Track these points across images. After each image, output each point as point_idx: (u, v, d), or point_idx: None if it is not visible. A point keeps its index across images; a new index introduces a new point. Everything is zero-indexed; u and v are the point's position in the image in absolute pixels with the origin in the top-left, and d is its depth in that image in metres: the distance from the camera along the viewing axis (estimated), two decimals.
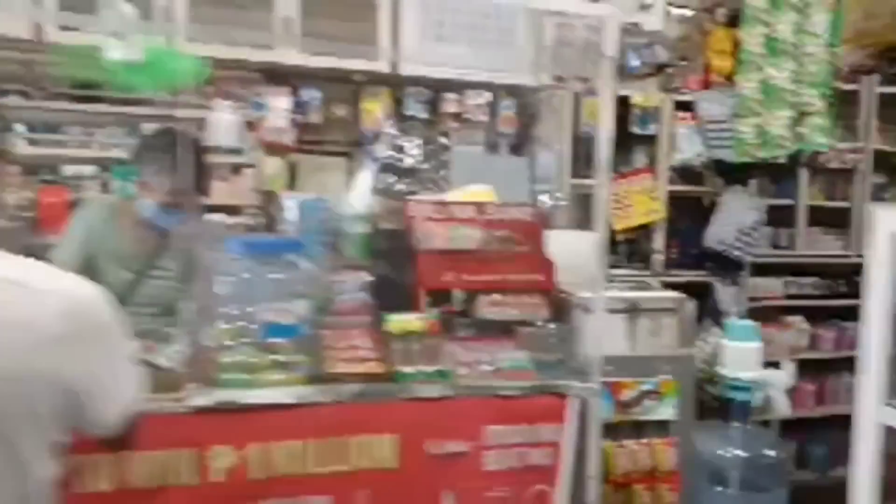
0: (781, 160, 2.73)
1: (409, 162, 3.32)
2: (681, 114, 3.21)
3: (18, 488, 0.92)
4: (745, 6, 2.59)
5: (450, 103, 3.19)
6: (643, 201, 3.19)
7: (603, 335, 1.84)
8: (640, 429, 2.05)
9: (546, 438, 1.80)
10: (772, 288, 3.64)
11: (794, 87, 2.35)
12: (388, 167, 3.27)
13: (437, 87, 3.17)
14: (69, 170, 2.84)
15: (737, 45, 3.43)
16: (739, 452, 2.21)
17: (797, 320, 3.68)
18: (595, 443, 1.84)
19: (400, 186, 3.29)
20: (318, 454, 1.64)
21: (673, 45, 3.26)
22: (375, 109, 3.13)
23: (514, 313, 1.99)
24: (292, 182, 3.14)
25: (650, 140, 3.22)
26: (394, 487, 1.69)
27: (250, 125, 2.99)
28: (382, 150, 3.19)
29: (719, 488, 2.20)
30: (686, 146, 3.19)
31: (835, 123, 2.49)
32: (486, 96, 3.20)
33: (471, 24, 3.02)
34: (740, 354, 2.19)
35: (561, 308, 2.04)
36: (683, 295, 2.21)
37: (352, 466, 1.66)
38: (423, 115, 3.22)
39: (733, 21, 3.46)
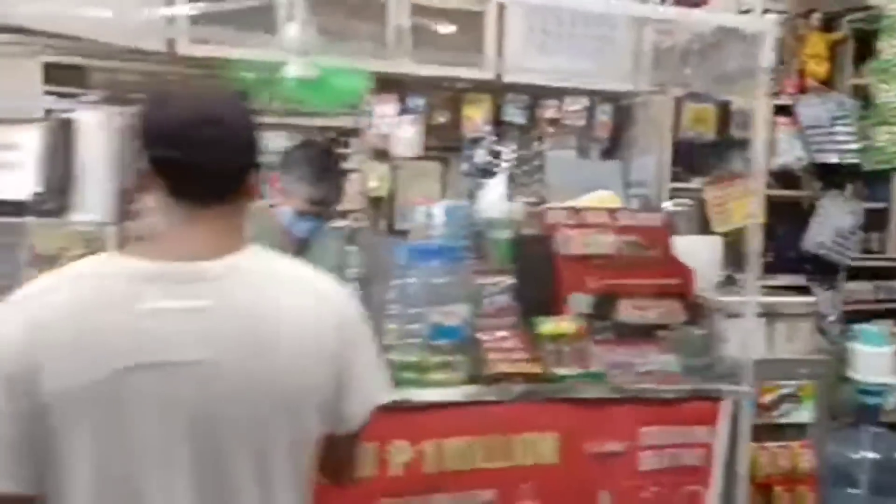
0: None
1: (504, 167, 3.38)
2: (780, 118, 3.21)
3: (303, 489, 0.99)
4: (883, 16, 2.59)
5: (548, 109, 3.24)
6: (741, 205, 3.20)
7: (752, 339, 1.87)
8: (778, 431, 2.08)
9: (699, 440, 1.84)
10: (863, 291, 3.62)
11: None
12: (485, 172, 3.33)
13: (537, 94, 3.22)
14: None
15: (832, 49, 3.43)
16: (870, 455, 2.23)
17: (888, 324, 3.65)
18: (745, 445, 1.87)
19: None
20: (485, 450, 1.70)
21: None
22: (476, 115, 3.19)
23: (654, 317, 2.04)
24: (392, 187, 3.22)
25: (748, 144, 3.22)
26: (555, 483, 1.75)
27: (356, 131, 3.08)
28: (481, 156, 3.25)
29: (850, 490, 2.22)
30: (786, 150, 3.20)
31: None
32: (584, 101, 3.24)
33: (572, 33, 3.07)
34: (872, 359, 2.21)
35: (696, 312, 2.08)
36: (814, 299, 2.23)
37: (515, 462, 1.73)
38: (521, 120, 3.28)
39: (828, 25, 3.47)
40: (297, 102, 1.86)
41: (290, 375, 0.92)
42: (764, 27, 1.85)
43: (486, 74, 3.02)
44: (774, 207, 3.31)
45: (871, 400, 2.21)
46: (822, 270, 3.32)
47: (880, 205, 3.60)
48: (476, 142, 3.27)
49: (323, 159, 2.06)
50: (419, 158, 3.30)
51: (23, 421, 0.83)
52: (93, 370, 0.84)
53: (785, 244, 3.29)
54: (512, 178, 3.37)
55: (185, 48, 2.64)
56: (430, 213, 2.06)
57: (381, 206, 3.18)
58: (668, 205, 2.77)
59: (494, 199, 2.28)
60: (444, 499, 1.67)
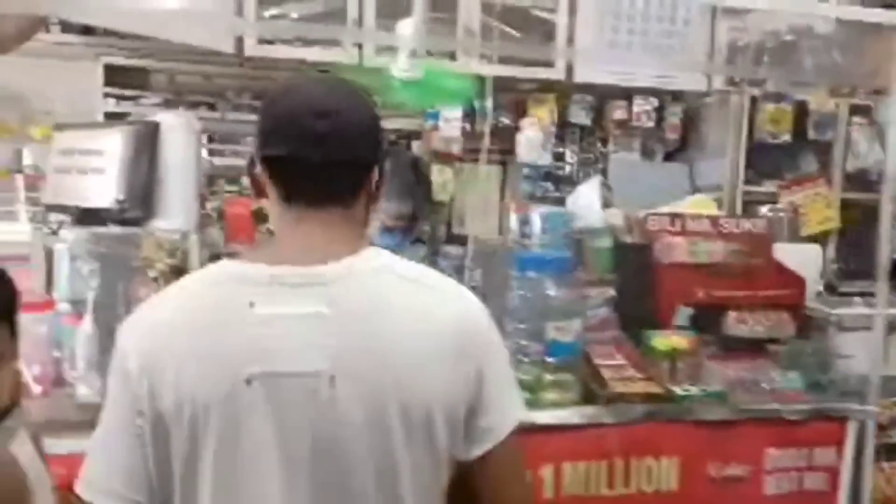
0: None
1: (567, 170, 3.28)
2: (857, 118, 3.09)
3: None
4: None
5: (616, 110, 3.14)
6: (818, 209, 3.09)
7: (879, 355, 1.76)
8: (892, 451, 1.96)
9: (824, 463, 1.74)
10: None
11: None
12: (548, 175, 3.23)
13: (605, 94, 3.12)
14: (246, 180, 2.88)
15: None
16: None
17: None
18: (870, 468, 1.77)
19: (557, 194, 3.25)
20: (605, 475, 1.61)
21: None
22: (543, 117, 3.09)
23: (763, 331, 1.93)
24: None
25: (825, 147, 3.11)
26: None
27: (419, 134, 2.99)
28: (544, 158, 3.15)
29: None
30: (863, 152, 3.07)
31: None
32: (653, 102, 3.14)
33: (644, 29, 2.96)
34: None
35: (807, 324, 1.97)
36: None
37: (637, 489, 1.63)
38: (586, 121, 3.18)
39: None
40: (401, 104, 1.77)
41: (412, 382, 0.82)
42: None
43: (556, 75, 2.92)
44: (850, 210, 3.21)
45: None
46: None
47: None
48: (540, 145, 3.17)
49: (410, 172, 1.97)
50: (476, 161, 3.20)
51: (148, 438, 0.80)
52: (209, 383, 0.79)
53: (860, 249, 3.16)
54: (572, 181, 3.28)
55: (252, 49, 2.56)
56: (527, 220, 1.96)
57: (440, 210, 3.09)
58: (764, 210, 2.66)
59: (587, 204, 2.17)
60: None
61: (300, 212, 0.86)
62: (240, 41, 2.51)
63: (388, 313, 0.83)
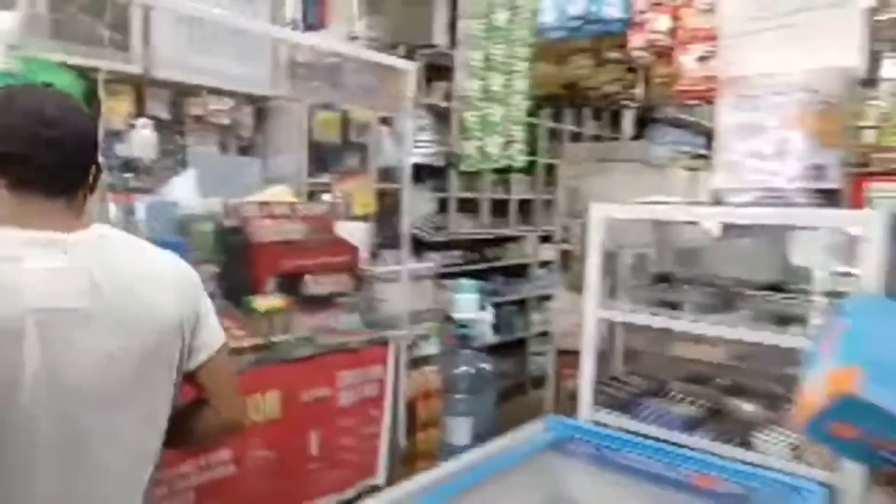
0: None
1: (147, 160, 3.40)
2: (384, 127, 4.06)
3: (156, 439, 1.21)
4: (443, 53, 3.52)
5: (193, 106, 3.40)
6: (361, 196, 3.95)
7: (406, 297, 2.56)
8: (415, 362, 2.84)
9: (376, 376, 2.46)
10: (452, 257, 4.82)
11: None
12: (127, 165, 3.30)
13: (183, 91, 3.34)
14: None
15: None
16: (466, 369, 3.22)
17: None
18: (404, 375, 2.57)
19: (136, 183, 3.35)
20: None
21: None
22: (120, 109, 3.14)
23: (330, 287, 2.56)
24: None
25: (363, 147, 3.99)
26: (275, 433, 2.13)
27: None
28: (124, 150, 3.21)
29: (457, 396, 3.17)
30: (389, 152, 4.06)
31: None
32: (228, 102, 3.50)
33: (217, 36, 3.31)
34: (465, 303, 3.18)
35: (361, 280, 2.68)
36: (432, 264, 3.07)
37: (249, 422, 2.04)
38: (165, 115, 3.35)
39: (410, 55, 4.47)
40: None
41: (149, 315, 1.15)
42: (404, 66, 2.51)
43: (134, 68, 3.03)
44: (381, 198, 4.19)
45: (465, 331, 3.19)
46: (415, 246, 4.34)
47: (444, 194, 4.86)
48: (117, 135, 3.21)
49: None
50: None
51: None
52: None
53: (391, 226, 4.18)
54: (151, 171, 3.42)
55: None
56: (131, 210, 2.14)
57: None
58: (327, 197, 3.30)
59: (187, 194, 2.44)
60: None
61: (33, 202, 1.08)
62: None
63: (120, 266, 1.13)
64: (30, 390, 1.02)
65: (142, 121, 2.97)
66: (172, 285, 1.19)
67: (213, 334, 1.28)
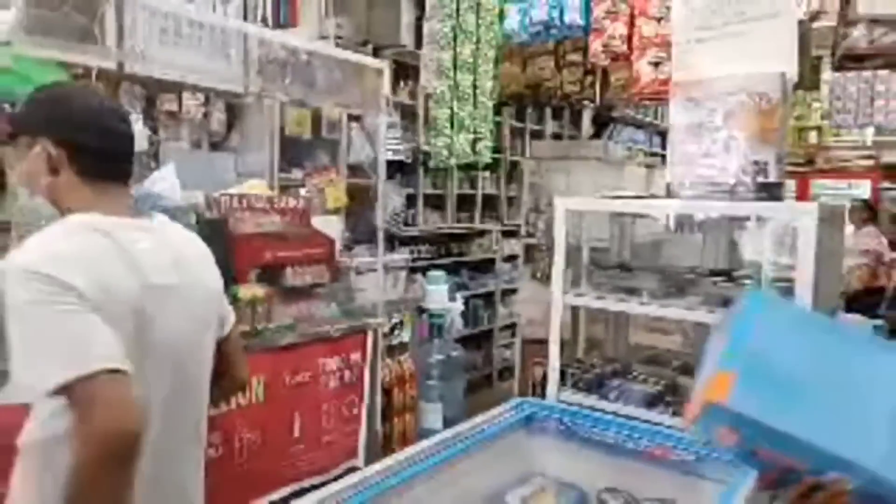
0: None
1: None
2: (354, 124, 4.16)
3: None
4: (409, 52, 3.64)
5: (166, 102, 3.44)
6: (333, 191, 4.04)
7: (381, 287, 2.68)
8: (391, 349, 2.96)
9: (354, 362, 2.58)
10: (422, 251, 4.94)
11: None
12: None
13: (158, 87, 3.39)
14: None
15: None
16: (438, 357, 3.34)
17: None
18: (379, 362, 2.69)
19: None
20: None
21: None
22: None
23: (309, 278, 2.66)
24: None
25: (334, 144, 4.08)
26: (261, 416, 2.23)
27: None
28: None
29: (429, 382, 3.30)
30: (359, 149, 4.16)
31: None
32: (200, 97, 3.55)
33: (190, 34, 3.36)
34: (436, 294, 3.31)
35: (337, 271, 2.79)
36: (407, 255, 3.20)
37: (235, 405, 2.14)
38: (138, 112, 3.38)
39: (377, 54, 4.58)
40: None
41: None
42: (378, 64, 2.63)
43: (109, 64, 3.06)
44: (352, 193, 4.28)
45: (437, 321, 3.32)
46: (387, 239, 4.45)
47: (412, 190, 4.98)
48: None
49: None
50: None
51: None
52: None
53: (362, 221, 4.28)
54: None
55: None
56: None
57: None
58: (303, 192, 3.38)
59: (169, 187, 2.50)
60: None
61: (102, 186, 1.22)
62: None
63: (187, 247, 1.37)
64: (153, 352, 1.19)
65: (132, 116, 3.00)
66: (212, 262, 1.41)
67: (229, 307, 1.51)
